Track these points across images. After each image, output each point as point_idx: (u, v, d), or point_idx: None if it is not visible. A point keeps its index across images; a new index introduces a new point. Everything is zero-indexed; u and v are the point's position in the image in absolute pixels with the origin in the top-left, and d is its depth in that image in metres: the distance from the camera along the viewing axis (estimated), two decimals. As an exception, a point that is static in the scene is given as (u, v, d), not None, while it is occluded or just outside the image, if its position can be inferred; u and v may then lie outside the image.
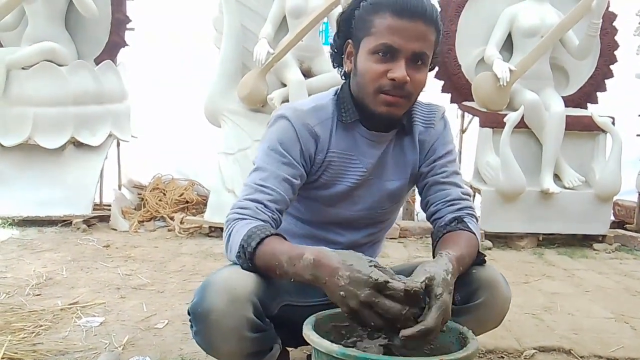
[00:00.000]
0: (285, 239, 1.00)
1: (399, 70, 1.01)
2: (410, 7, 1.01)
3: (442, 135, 1.19)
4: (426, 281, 0.86)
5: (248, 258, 0.97)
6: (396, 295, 0.83)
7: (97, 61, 3.31)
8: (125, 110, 3.36)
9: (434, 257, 1.07)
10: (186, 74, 3.73)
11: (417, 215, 3.49)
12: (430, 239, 1.18)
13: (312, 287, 0.91)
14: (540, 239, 3.08)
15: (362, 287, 0.83)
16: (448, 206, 1.15)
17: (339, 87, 1.16)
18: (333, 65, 1.17)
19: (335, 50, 1.14)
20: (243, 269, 0.98)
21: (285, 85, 3.21)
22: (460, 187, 1.18)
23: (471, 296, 1.06)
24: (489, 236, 3.06)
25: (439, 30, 1.07)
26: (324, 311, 0.98)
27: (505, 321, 1.91)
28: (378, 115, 1.07)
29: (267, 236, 0.97)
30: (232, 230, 1.03)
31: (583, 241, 3.14)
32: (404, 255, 2.86)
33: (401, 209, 3.24)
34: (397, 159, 1.18)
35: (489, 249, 3.00)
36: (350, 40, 1.10)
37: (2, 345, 1.61)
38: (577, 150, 3.15)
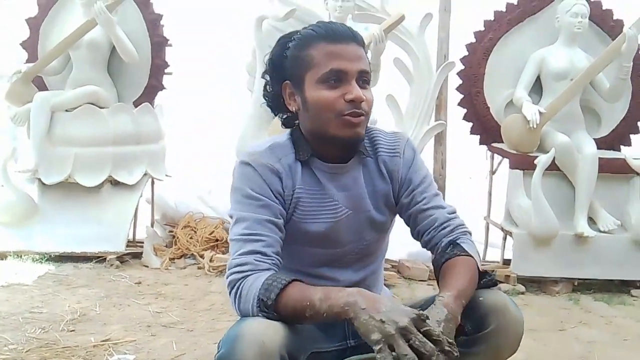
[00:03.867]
0: (304, 282, 1.01)
1: (355, 91, 1.06)
2: (340, 33, 1.08)
3: (414, 163, 1.19)
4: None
5: (272, 310, 0.97)
6: (432, 334, 0.85)
7: (136, 104, 3.46)
8: (161, 151, 3.48)
9: (439, 286, 1.08)
10: (223, 115, 3.85)
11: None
12: None
13: (338, 324, 0.92)
14: (576, 284, 2.99)
15: (403, 317, 0.86)
16: (439, 231, 1.14)
17: (293, 129, 1.17)
18: (274, 113, 1.19)
19: (273, 99, 1.16)
20: (269, 319, 0.97)
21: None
22: (444, 207, 1.18)
23: (482, 324, 1.04)
24: (521, 280, 2.98)
25: (366, 53, 1.14)
26: (354, 357, 0.98)
27: (542, 371, 1.86)
28: (345, 140, 1.09)
29: (287, 284, 0.98)
30: (240, 291, 1.01)
31: (620, 287, 3.02)
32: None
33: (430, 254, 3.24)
34: (369, 189, 1.18)
35: (522, 293, 2.92)
36: (287, 82, 1.12)
37: (38, 381, 1.65)
38: (611, 193, 3.08)
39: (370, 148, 1.19)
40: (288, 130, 1.18)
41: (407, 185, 1.18)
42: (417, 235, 1.20)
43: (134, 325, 2.26)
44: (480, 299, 1.05)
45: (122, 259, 3.14)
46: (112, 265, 3.07)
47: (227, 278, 1.05)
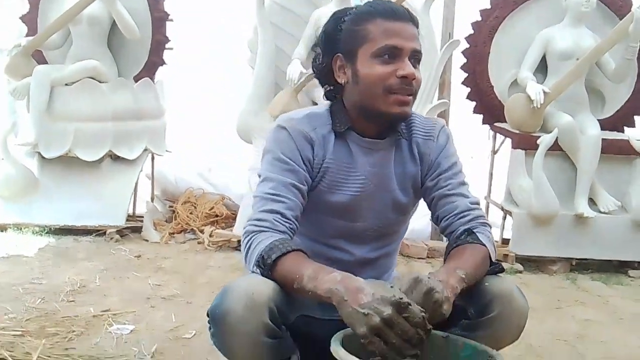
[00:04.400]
0: (307, 256, 1.02)
1: (407, 67, 1.07)
2: (398, 11, 1.10)
3: (445, 148, 1.20)
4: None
5: (267, 269, 0.99)
6: (414, 318, 0.86)
7: (137, 79, 3.44)
8: (162, 126, 3.46)
9: None
10: (220, 92, 3.83)
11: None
12: None
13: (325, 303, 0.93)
14: (574, 264, 2.99)
15: (387, 305, 0.86)
16: (459, 219, 1.15)
17: (331, 102, 1.19)
18: (321, 84, 1.19)
19: (324, 70, 1.16)
20: (263, 276, 1.00)
21: (316, 104, 3.26)
22: (467, 197, 1.18)
23: (485, 309, 1.04)
24: (520, 259, 2.99)
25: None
26: (343, 330, 0.98)
27: (537, 348, 1.88)
28: (392, 116, 1.10)
29: (289, 251, 1.00)
30: (251, 242, 1.05)
31: (618, 267, 3.03)
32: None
33: (430, 227, 3.25)
34: (398, 170, 1.19)
35: (520, 272, 2.93)
36: (339, 54, 1.13)
37: (36, 348, 1.67)
38: (613, 174, 3.06)
39: (406, 130, 1.19)
40: (326, 104, 1.20)
41: (435, 169, 1.19)
42: (436, 219, 1.21)
43: (133, 297, 2.28)
44: (486, 284, 1.05)
45: (121, 232, 3.15)
46: (112, 238, 3.08)
47: (244, 228, 1.08)
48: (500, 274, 1.10)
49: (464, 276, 0.99)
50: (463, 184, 1.20)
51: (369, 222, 1.19)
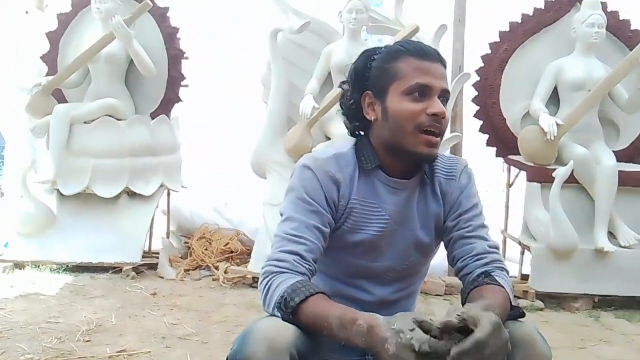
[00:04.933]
0: (329, 297, 1.01)
1: (438, 106, 1.07)
2: (428, 51, 1.11)
3: (467, 188, 1.18)
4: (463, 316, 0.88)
5: (290, 312, 0.98)
6: (440, 351, 0.86)
7: (153, 116, 3.50)
8: (177, 162, 3.51)
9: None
10: (234, 127, 3.88)
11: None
12: None
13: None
14: (596, 300, 2.92)
15: (409, 352, 0.86)
16: (475, 261, 1.13)
17: (358, 139, 1.19)
18: (348, 120, 1.20)
19: (352, 106, 1.17)
20: (283, 320, 0.98)
21: (329, 139, 3.28)
22: (486, 239, 1.16)
23: (507, 356, 0.99)
24: (540, 296, 2.93)
25: None
26: None
27: (563, 391, 1.81)
28: (419, 156, 1.10)
29: (312, 294, 0.98)
30: (270, 284, 1.03)
31: (642, 304, 2.96)
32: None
33: (447, 263, 3.21)
34: (420, 209, 1.18)
35: (541, 309, 2.87)
36: (368, 92, 1.14)
37: (54, 392, 1.65)
38: (631, 206, 3.03)
39: (429, 169, 1.19)
40: (351, 141, 1.20)
41: (456, 209, 1.17)
42: (452, 260, 1.19)
43: (149, 336, 2.27)
44: (507, 330, 1.01)
45: (137, 269, 3.17)
46: (127, 275, 3.09)
47: (262, 269, 1.07)
48: (520, 319, 1.07)
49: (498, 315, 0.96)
50: (483, 226, 1.18)
51: (391, 262, 1.18)
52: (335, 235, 1.15)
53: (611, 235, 2.99)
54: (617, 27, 3.23)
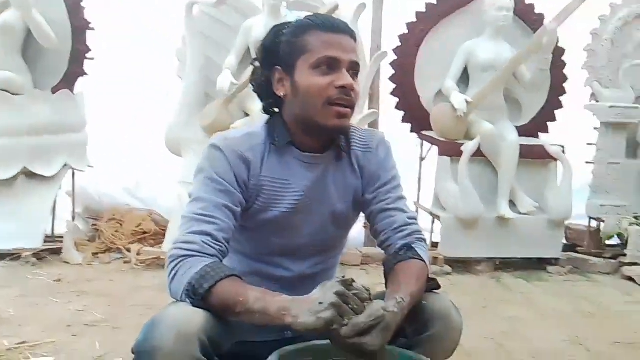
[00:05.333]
0: (241, 279, 0.99)
1: (345, 78, 1.07)
2: (336, 24, 1.11)
3: (385, 161, 1.20)
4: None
5: (199, 298, 0.94)
6: (362, 294, 0.90)
7: (55, 91, 3.23)
8: (83, 140, 3.27)
9: (386, 286, 1.09)
10: (147, 103, 3.69)
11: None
12: None
13: (274, 323, 0.91)
14: (498, 263, 3.15)
15: (334, 287, 0.89)
16: (397, 233, 1.16)
17: (269, 117, 1.18)
18: (260, 98, 1.18)
19: (263, 83, 1.15)
20: (193, 306, 0.95)
21: (248, 115, 3.22)
22: (405, 212, 1.19)
23: (422, 328, 1.06)
24: (448, 261, 3.11)
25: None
26: (287, 347, 0.95)
27: (466, 348, 1.94)
28: (330, 129, 1.09)
29: (222, 278, 0.95)
30: (178, 269, 0.99)
31: (538, 265, 3.22)
32: (366, 282, 2.83)
33: (364, 235, 3.30)
34: (337, 183, 1.18)
35: (449, 274, 3.04)
36: (278, 67, 1.12)
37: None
38: (530, 177, 3.27)
39: (345, 143, 1.18)
40: (264, 119, 1.17)
41: (375, 182, 1.18)
42: (374, 233, 1.21)
43: (53, 325, 2.12)
44: (424, 302, 1.06)
45: (39, 255, 2.94)
46: (28, 262, 2.85)
47: (169, 252, 1.03)
48: (436, 291, 1.12)
49: (409, 299, 1.00)
50: (401, 198, 1.20)
51: (308, 238, 1.17)
52: (248, 215, 1.12)
53: (512, 203, 3.22)
54: (523, 11, 3.42)
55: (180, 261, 0.99)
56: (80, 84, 3.36)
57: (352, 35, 1.11)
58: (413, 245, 1.14)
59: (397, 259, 1.11)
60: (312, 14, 1.16)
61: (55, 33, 3.13)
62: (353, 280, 0.90)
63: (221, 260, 1.03)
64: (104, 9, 3.51)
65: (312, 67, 1.07)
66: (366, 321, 0.87)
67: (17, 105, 3.05)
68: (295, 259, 1.18)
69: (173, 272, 1.00)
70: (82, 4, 3.29)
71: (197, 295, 0.94)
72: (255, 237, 1.16)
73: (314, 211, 1.16)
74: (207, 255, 1.00)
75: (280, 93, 1.12)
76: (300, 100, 1.09)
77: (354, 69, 1.10)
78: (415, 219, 1.21)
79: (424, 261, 1.12)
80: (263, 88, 1.15)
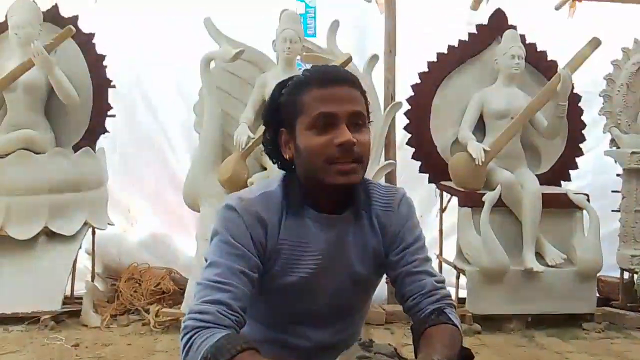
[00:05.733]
0: (258, 352, 0.93)
1: (343, 134, 1.01)
2: (331, 76, 1.05)
3: (408, 220, 1.14)
4: None
5: None
6: (385, 351, 0.84)
7: (76, 148, 3.29)
8: (102, 197, 3.30)
9: (415, 354, 1.03)
10: (165, 157, 3.73)
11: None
12: None
13: None
14: (529, 320, 3.02)
15: (355, 353, 0.84)
16: (426, 297, 1.10)
17: (286, 174, 1.13)
18: (272, 161, 1.15)
19: (270, 146, 1.12)
20: None
21: (265, 169, 3.22)
22: (433, 275, 1.14)
23: None
24: (476, 318, 2.99)
25: (364, 94, 1.09)
26: None
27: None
28: (338, 187, 1.04)
29: (238, 352, 0.90)
30: (192, 342, 0.94)
31: (571, 321, 3.08)
32: (391, 342, 2.74)
33: (387, 291, 3.21)
34: (357, 244, 1.12)
35: (479, 332, 2.92)
36: (283, 129, 1.08)
37: None
38: (555, 227, 3.17)
39: (365, 200, 1.13)
40: (279, 177, 1.13)
41: (399, 244, 1.12)
42: (400, 298, 1.15)
43: (69, 395, 2.06)
44: None
45: (57, 318, 2.90)
46: (46, 326, 2.82)
47: (184, 322, 0.98)
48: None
49: None
50: (427, 259, 1.15)
51: (327, 301, 1.12)
52: (265, 280, 1.08)
53: (539, 255, 3.12)
54: (535, 58, 3.43)
55: (195, 333, 0.95)
56: (101, 141, 3.42)
57: (351, 83, 1.05)
58: (445, 310, 1.08)
59: (430, 323, 1.06)
60: (312, 67, 1.11)
61: (76, 90, 3.21)
62: (372, 341, 0.85)
63: (237, 332, 0.98)
64: (124, 66, 3.60)
65: (308, 128, 1.03)
66: None
67: (39, 163, 3.09)
68: (314, 327, 1.13)
69: (188, 345, 0.95)
70: (104, 62, 3.38)
71: None
72: (272, 303, 1.11)
73: (333, 274, 1.11)
74: (222, 327, 0.96)
75: (287, 156, 1.09)
76: (303, 162, 1.06)
77: (357, 119, 1.03)
78: (443, 282, 1.16)
79: (457, 327, 1.07)
80: (271, 150, 1.12)
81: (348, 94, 1.04)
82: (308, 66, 3.70)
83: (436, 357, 0.92)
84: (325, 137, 1.02)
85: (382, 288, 3.16)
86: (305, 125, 1.03)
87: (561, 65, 3.23)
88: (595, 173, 3.61)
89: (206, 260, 1.05)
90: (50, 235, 3.11)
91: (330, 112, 1.02)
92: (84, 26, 3.36)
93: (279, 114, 1.08)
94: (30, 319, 2.86)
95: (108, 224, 3.28)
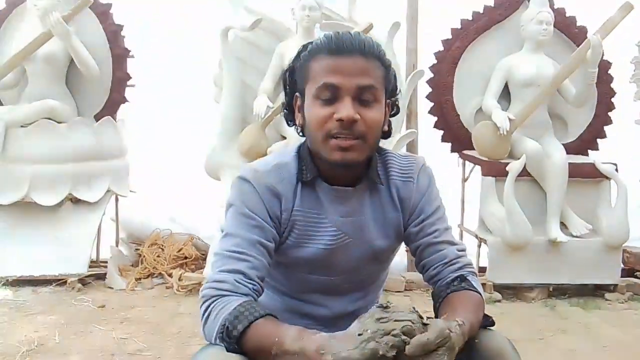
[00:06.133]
0: (276, 318, 0.93)
1: (345, 109, 0.97)
2: (345, 44, 0.99)
3: (428, 191, 1.11)
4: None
5: (234, 341, 0.89)
6: (403, 316, 0.84)
7: (97, 118, 3.32)
8: (124, 166, 3.33)
9: (440, 313, 1.02)
10: (185, 128, 3.74)
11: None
12: None
13: None
14: (551, 289, 2.98)
15: (372, 315, 0.83)
16: (448, 266, 1.09)
17: (301, 142, 1.11)
18: (288, 124, 1.13)
19: (287, 109, 1.10)
20: (228, 351, 0.90)
21: (285, 138, 3.21)
22: (454, 244, 1.12)
23: None
24: (497, 287, 2.97)
25: (386, 65, 1.03)
26: None
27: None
28: (333, 163, 1.01)
29: (257, 318, 0.90)
30: (211, 310, 0.95)
31: (594, 291, 3.04)
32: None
33: (407, 259, 3.20)
34: (376, 217, 1.10)
35: (499, 301, 2.90)
36: (297, 94, 1.06)
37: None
38: (581, 197, 3.10)
39: (383, 173, 1.10)
40: (295, 147, 1.11)
41: (418, 215, 1.10)
42: (421, 268, 1.14)
43: (96, 354, 2.12)
44: (476, 341, 0.97)
45: (84, 281, 2.97)
46: (73, 288, 2.89)
47: (201, 291, 0.99)
48: (491, 327, 1.03)
49: (470, 330, 0.93)
50: (447, 228, 1.14)
51: (346, 274, 1.11)
52: (281, 251, 1.07)
53: (563, 225, 3.06)
54: (564, 24, 3.30)
55: (213, 302, 0.95)
56: (121, 111, 3.44)
57: (364, 53, 0.99)
58: (468, 277, 1.07)
59: (452, 289, 1.04)
60: (330, 33, 1.05)
61: (96, 61, 3.22)
62: (389, 303, 0.84)
63: (256, 300, 0.98)
64: (143, 36, 3.60)
65: (314, 97, 1.00)
66: (433, 340, 0.81)
67: (62, 133, 3.13)
68: (333, 296, 1.12)
69: (206, 314, 0.96)
70: (122, 32, 3.38)
71: (232, 338, 0.89)
72: (291, 274, 1.11)
73: (352, 248, 1.09)
74: (240, 295, 0.95)
75: (298, 122, 1.07)
76: (308, 131, 1.04)
77: (365, 93, 0.98)
78: (465, 250, 1.14)
79: (480, 294, 1.05)
80: (288, 115, 1.11)
81: (358, 64, 0.98)
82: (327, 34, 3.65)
83: (459, 320, 0.90)
84: (328, 109, 0.99)
85: (402, 256, 3.16)
86: (312, 94, 1.00)
87: (591, 31, 3.11)
88: (624, 143, 3.49)
89: (222, 232, 1.05)
90: (75, 201, 3.16)
91: (334, 84, 0.97)
92: (102, -5, 3.35)
93: (293, 78, 1.06)
94: (58, 282, 2.94)
95: (130, 191, 3.32)
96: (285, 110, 1.11)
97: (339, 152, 0.99)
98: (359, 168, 1.07)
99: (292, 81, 1.07)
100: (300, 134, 1.10)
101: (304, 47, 1.07)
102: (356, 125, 0.98)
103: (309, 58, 1.02)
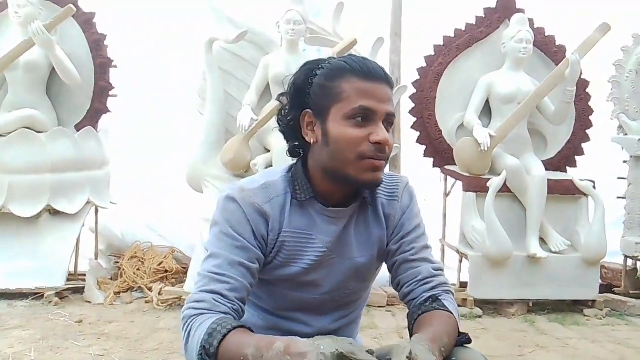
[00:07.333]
0: (250, 330, 0.94)
1: (382, 133, 1.00)
2: (374, 71, 1.03)
3: (409, 209, 1.13)
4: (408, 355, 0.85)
5: (213, 358, 0.90)
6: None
7: (79, 127, 3.28)
8: (105, 177, 3.29)
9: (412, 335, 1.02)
10: (168, 139, 3.71)
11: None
12: None
13: None
14: (531, 305, 3.02)
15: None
16: (422, 285, 1.09)
17: (293, 163, 1.11)
18: (286, 139, 1.11)
19: (291, 123, 1.08)
20: None
21: (268, 151, 3.20)
22: (431, 262, 1.13)
23: None
24: (478, 303, 2.99)
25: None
26: None
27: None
28: (363, 182, 1.03)
29: (230, 331, 0.91)
30: (190, 329, 0.95)
31: (573, 306, 3.08)
32: (393, 324, 2.76)
33: (388, 275, 3.20)
34: (361, 234, 1.11)
35: (479, 317, 2.92)
36: (308, 111, 1.05)
37: None
38: (560, 213, 3.16)
39: (370, 192, 1.12)
40: (285, 166, 1.11)
41: (399, 232, 1.12)
42: (396, 285, 1.14)
43: (72, 371, 2.08)
44: (453, 358, 0.99)
45: (61, 294, 2.92)
46: (50, 302, 2.83)
47: (182, 312, 0.99)
48: (467, 345, 1.04)
49: (443, 348, 0.94)
50: (426, 247, 1.14)
51: (328, 293, 1.11)
52: (267, 270, 1.07)
53: (542, 241, 3.11)
54: (543, 43, 3.38)
55: (192, 321, 0.95)
56: (103, 120, 3.40)
57: (389, 83, 1.04)
58: (440, 297, 1.07)
59: (422, 310, 1.05)
60: (351, 56, 1.06)
61: (78, 70, 3.18)
62: (353, 354, 0.85)
63: (235, 318, 0.98)
64: (126, 46, 3.57)
65: (346, 117, 1.01)
66: None
67: (41, 143, 3.08)
68: (315, 314, 1.13)
69: (186, 333, 0.96)
70: (105, 41, 3.35)
71: (210, 356, 0.90)
72: (274, 292, 1.11)
73: (336, 266, 1.10)
74: (217, 312, 0.96)
75: (310, 139, 1.06)
76: (330, 149, 1.03)
77: (389, 120, 1.02)
78: (442, 270, 1.14)
79: (452, 313, 1.05)
80: (290, 129, 1.09)
81: (387, 93, 1.02)
82: (313, 48, 3.66)
83: (425, 343, 0.92)
84: (362, 131, 1.00)
85: (384, 271, 3.15)
86: (343, 115, 1.01)
87: (570, 50, 3.19)
88: (601, 160, 3.56)
89: (207, 251, 1.04)
90: (53, 213, 3.11)
91: (372, 109, 1.00)
92: (85, 5, 3.32)
93: (307, 94, 1.05)
94: (35, 295, 2.88)
95: (111, 202, 3.28)
96: (285, 126, 1.09)
97: (371, 173, 1.02)
98: (358, 189, 1.09)
99: (303, 96, 1.05)
100: (291, 151, 1.10)
101: (318, 63, 1.07)
102: (386, 148, 1.02)
103: (334, 78, 1.02)
